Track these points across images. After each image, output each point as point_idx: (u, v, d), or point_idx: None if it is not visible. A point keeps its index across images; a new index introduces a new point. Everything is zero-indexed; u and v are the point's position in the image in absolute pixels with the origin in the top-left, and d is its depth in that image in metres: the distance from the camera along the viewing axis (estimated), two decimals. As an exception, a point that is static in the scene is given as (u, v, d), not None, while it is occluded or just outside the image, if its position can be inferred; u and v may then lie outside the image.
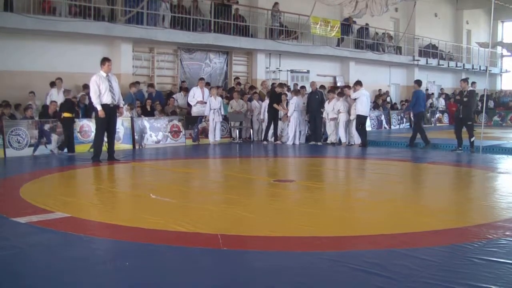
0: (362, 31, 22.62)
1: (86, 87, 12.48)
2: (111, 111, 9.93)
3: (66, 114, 11.22)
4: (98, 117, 9.91)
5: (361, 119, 13.50)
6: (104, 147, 10.31)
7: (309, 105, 14.18)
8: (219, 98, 13.95)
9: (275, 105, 14.14)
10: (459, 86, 13.39)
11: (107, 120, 9.90)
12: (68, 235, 4.85)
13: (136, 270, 3.91)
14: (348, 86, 15.13)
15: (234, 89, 15.94)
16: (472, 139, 12.55)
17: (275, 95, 14.34)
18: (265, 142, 14.39)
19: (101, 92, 9.75)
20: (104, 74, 9.86)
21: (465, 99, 12.54)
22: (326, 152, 12.65)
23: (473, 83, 20.67)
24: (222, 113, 13.95)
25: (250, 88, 16.51)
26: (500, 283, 3.64)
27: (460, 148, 12.52)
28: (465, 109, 12.55)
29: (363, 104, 13.41)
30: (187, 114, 14.39)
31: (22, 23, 12.28)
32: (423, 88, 26.26)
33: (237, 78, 17.33)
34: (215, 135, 13.89)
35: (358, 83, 13.88)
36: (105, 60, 9.96)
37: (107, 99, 9.80)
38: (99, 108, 9.75)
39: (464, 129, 12.56)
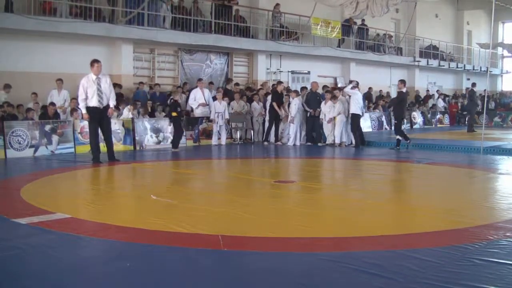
0: (362, 32, 22.63)
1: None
2: (101, 113, 9.91)
3: (174, 114, 12.54)
4: (87, 120, 9.99)
5: (355, 118, 13.57)
6: (103, 148, 10.32)
7: (308, 105, 14.20)
8: (224, 102, 13.93)
9: (274, 104, 14.13)
10: (398, 86, 13.97)
11: (97, 122, 9.95)
12: (68, 236, 4.85)
13: (136, 271, 3.91)
14: (339, 88, 15.27)
15: (231, 90, 15.86)
16: (397, 137, 13.31)
17: (277, 95, 14.34)
18: (266, 143, 14.39)
19: (87, 96, 9.74)
20: (94, 77, 9.82)
21: (394, 100, 13.75)
22: (326, 153, 12.64)
23: (474, 84, 20.69)
24: (226, 117, 13.94)
25: (247, 89, 16.47)
26: (500, 284, 3.64)
27: (408, 141, 13.21)
28: (394, 109, 13.82)
29: (356, 103, 13.53)
30: (186, 115, 14.39)
31: (23, 24, 12.29)
32: (423, 88, 26.41)
33: (230, 79, 17.06)
34: (220, 138, 13.87)
35: (351, 83, 14.26)
36: (93, 62, 9.90)
37: (95, 102, 9.77)
38: (83, 111, 9.86)
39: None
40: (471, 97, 19.73)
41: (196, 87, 14.28)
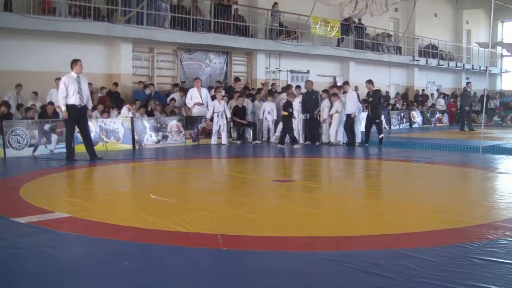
0: (361, 31, 22.63)
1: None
2: (80, 112, 10.06)
3: (285, 113, 13.31)
4: (65, 118, 10.07)
5: (349, 119, 13.63)
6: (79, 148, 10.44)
7: (305, 105, 14.23)
8: (223, 102, 13.92)
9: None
10: (366, 86, 14.17)
11: (75, 121, 10.09)
12: (68, 235, 4.85)
13: (135, 270, 3.91)
14: (336, 86, 15.33)
15: (233, 89, 15.87)
16: (380, 136, 13.70)
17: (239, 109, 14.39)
18: (257, 142, 14.44)
19: (68, 94, 9.88)
20: (75, 75, 9.98)
21: (370, 99, 13.60)
22: (324, 152, 12.63)
23: (468, 83, 20.73)
24: (228, 116, 13.93)
25: (244, 88, 16.46)
26: (499, 283, 3.64)
27: (366, 144, 13.65)
28: (373, 108, 13.65)
29: (351, 103, 13.60)
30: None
31: (22, 23, 12.30)
32: (421, 87, 26.43)
33: (237, 78, 17.07)
34: (220, 137, 13.89)
35: (346, 83, 14.58)
36: (77, 61, 10.08)
37: (75, 100, 9.93)
38: (63, 108, 9.93)
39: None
40: (463, 96, 19.75)
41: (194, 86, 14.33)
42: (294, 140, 13.54)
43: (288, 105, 13.41)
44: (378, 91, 13.90)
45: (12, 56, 12.98)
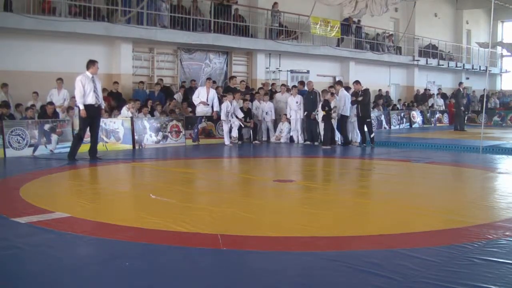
0: (361, 31, 22.63)
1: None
2: (95, 111, 10.13)
3: (324, 112, 13.25)
4: (81, 117, 10.08)
5: (343, 119, 13.66)
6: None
7: (304, 105, 14.25)
8: (235, 103, 13.97)
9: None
10: (353, 87, 14.06)
11: (90, 120, 10.13)
12: (68, 235, 4.85)
13: (135, 270, 3.91)
14: (331, 87, 15.33)
15: (233, 88, 15.86)
16: (372, 135, 13.73)
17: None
18: (256, 142, 14.44)
19: (85, 92, 9.93)
20: (90, 75, 10.05)
21: (360, 99, 13.50)
22: (323, 152, 12.62)
23: (460, 83, 20.75)
24: (239, 116, 13.96)
25: (246, 88, 16.46)
26: (500, 283, 3.64)
27: (364, 144, 13.57)
28: (363, 108, 13.57)
29: (344, 104, 13.60)
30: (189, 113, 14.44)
31: (22, 23, 12.30)
32: (421, 87, 26.45)
33: (233, 77, 16.65)
34: (230, 136, 13.92)
35: (339, 83, 14.67)
36: (94, 62, 10.15)
37: (91, 100, 9.99)
38: (81, 107, 9.96)
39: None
40: (456, 96, 19.78)
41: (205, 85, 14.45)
42: (332, 141, 13.39)
43: (325, 104, 13.27)
44: (367, 90, 13.89)
45: (12, 56, 12.98)
